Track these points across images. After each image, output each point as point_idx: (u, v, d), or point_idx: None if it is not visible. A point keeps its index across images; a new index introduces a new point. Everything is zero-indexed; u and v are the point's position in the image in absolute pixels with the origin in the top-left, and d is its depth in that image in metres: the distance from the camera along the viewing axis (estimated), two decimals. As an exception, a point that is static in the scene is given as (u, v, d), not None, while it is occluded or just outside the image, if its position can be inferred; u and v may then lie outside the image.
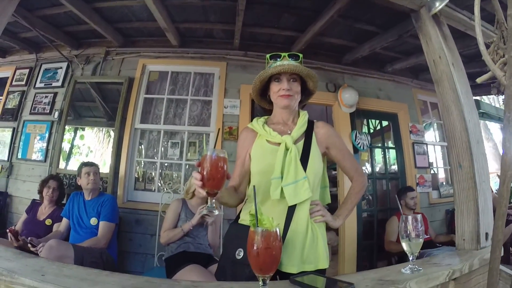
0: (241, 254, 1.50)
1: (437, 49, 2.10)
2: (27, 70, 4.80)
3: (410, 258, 1.42)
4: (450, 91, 2.04)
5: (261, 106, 1.92)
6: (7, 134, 4.63)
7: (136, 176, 4.29)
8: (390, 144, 5.09)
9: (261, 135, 1.73)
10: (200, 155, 4.25)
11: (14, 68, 4.90)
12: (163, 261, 3.05)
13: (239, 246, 1.52)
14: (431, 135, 5.56)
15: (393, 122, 5.02)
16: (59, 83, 4.57)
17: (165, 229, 3.01)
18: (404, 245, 1.43)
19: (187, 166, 4.25)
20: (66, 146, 4.44)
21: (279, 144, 1.65)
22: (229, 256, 1.55)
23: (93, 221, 3.16)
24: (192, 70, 4.52)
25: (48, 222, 3.40)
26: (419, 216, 1.43)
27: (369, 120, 5.09)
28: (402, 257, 3.79)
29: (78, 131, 4.57)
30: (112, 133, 4.35)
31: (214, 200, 1.26)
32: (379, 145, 5.08)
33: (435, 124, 5.63)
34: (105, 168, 4.19)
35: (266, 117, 1.85)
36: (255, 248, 1.06)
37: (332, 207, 1.77)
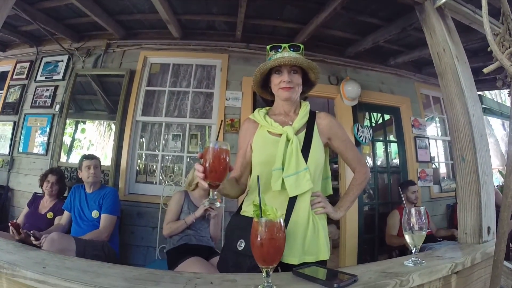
0: (243, 245, 1.50)
1: (441, 41, 2.08)
2: (28, 64, 4.79)
3: (413, 251, 1.42)
4: (453, 84, 2.02)
5: (263, 98, 1.91)
6: (8, 128, 4.63)
7: (138, 168, 4.28)
8: (392, 138, 5.09)
9: (262, 126, 1.73)
10: (202, 148, 4.25)
11: (14, 62, 4.89)
12: (165, 254, 3.06)
13: (240, 237, 1.53)
14: (433, 130, 5.55)
15: (395, 115, 5.01)
16: (60, 76, 4.56)
17: (168, 222, 3.01)
18: (407, 238, 1.42)
19: (188, 159, 4.25)
20: (67, 139, 4.43)
21: (280, 135, 1.64)
22: (231, 247, 1.56)
23: (95, 213, 3.17)
24: (193, 62, 4.50)
25: (49, 215, 3.41)
26: (422, 209, 1.43)
27: (371, 113, 5.08)
28: (403, 251, 3.81)
29: (79, 125, 4.55)
30: (113, 126, 4.34)
31: (216, 192, 1.25)
32: (381, 138, 5.07)
33: (437, 118, 5.62)
34: (106, 161, 4.19)
35: (267, 108, 1.85)
36: (258, 239, 1.05)
37: (334, 201, 1.75)
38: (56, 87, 4.54)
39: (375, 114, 5.14)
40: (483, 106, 6.57)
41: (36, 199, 3.63)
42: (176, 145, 4.29)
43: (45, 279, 1.09)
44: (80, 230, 3.11)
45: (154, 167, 4.30)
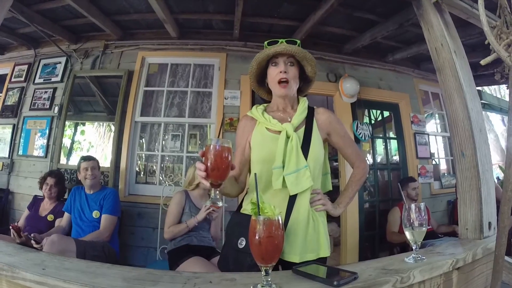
0: (243, 243, 1.50)
1: (439, 36, 2.08)
2: (26, 66, 4.78)
3: (414, 247, 1.41)
4: (452, 79, 2.01)
5: (261, 97, 1.91)
6: (7, 131, 4.63)
7: (137, 169, 4.29)
8: (392, 135, 5.08)
9: (260, 123, 1.71)
10: (201, 147, 4.25)
11: (13, 65, 4.88)
12: (166, 254, 3.07)
13: (241, 235, 1.52)
14: (432, 126, 5.54)
15: (395, 112, 5.00)
16: (59, 78, 4.56)
17: (169, 225, 2.97)
18: (408, 234, 1.42)
19: (188, 159, 4.24)
20: (67, 142, 4.43)
21: (279, 132, 1.63)
22: (232, 245, 1.56)
23: (95, 214, 3.18)
24: (191, 62, 4.50)
25: (50, 217, 3.42)
26: (422, 205, 1.42)
27: (370, 110, 5.06)
28: (404, 248, 3.79)
29: (78, 127, 4.56)
30: (112, 128, 4.34)
31: (218, 191, 1.24)
32: (381, 135, 5.06)
33: (437, 114, 5.61)
34: (106, 162, 4.19)
35: (265, 104, 1.83)
36: (257, 237, 1.04)
37: (333, 198, 1.75)
38: (55, 89, 4.53)
39: (374, 111, 5.12)
40: (482, 101, 6.57)
41: (36, 201, 3.64)
42: (176, 145, 4.29)
43: (44, 280, 1.09)
44: (81, 231, 3.12)
45: (154, 167, 4.29)
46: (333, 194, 1.80)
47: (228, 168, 1.20)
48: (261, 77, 1.79)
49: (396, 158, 5.06)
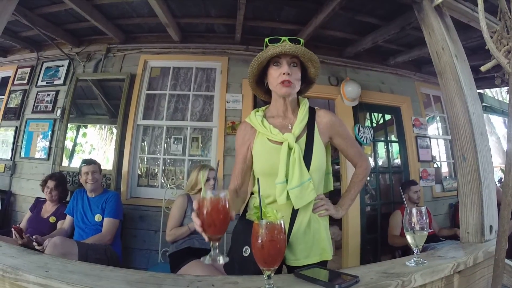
0: (248, 251, 1.47)
1: (440, 40, 2.09)
2: (29, 69, 4.80)
3: (415, 251, 1.41)
4: (453, 83, 2.03)
5: (258, 97, 1.86)
6: (9, 133, 4.63)
7: (139, 172, 4.29)
8: (393, 138, 5.08)
9: (261, 133, 1.64)
10: (203, 150, 4.29)
11: (15, 67, 4.90)
12: (167, 257, 3.06)
13: (245, 243, 1.48)
14: (434, 129, 5.54)
15: (396, 115, 5.00)
16: (61, 81, 4.57)
17: (171, 227, 2.98)
18: (409, 238, 1.42)
19: (190, 162, 4.25)
20: (69, 144, 4.43)
21: (281, 143, 1.57)
22: (237, 252, 1.53)
23: (98, 217, 3.18)
24: (193, 66, 4.50)
25: (52, 219, 3.42)
26: (423, 209, 1.42)
27: (372, 113, 5.07)
28: (405, 251, 3.79)
29: (80, 129, 4.56)
30: (114, 130, 4.34)
31: (217, 244, 1.15)
32: (382, 138, 5.06)
33: (438, 117, 5.61)
34: (108, 164, 4.21)
35: (264, 108, 1.76)
36: (259, 240, 1.05)
37: (335, 200, 1.74)
38: (57, 92, 4.54)
39: (375, 114, 5.12)
40: (484, 104, 6.57)
41: (38, 203, 3.64)
42: (178, 148, 4.29)
43: (47, 282, 1.10)
44: (83, 234, 3.13)
45: (156, 170, 4.29)
46: (335, 197, 1.81)
47: (226, 220, 1.13)
48: (259, 77, 1.71)
49: (397, 161, 5.06)
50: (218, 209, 1.10)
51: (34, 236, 2.69)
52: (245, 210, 1.72)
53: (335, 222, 2.52)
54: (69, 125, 4.39)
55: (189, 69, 4.52)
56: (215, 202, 1.11)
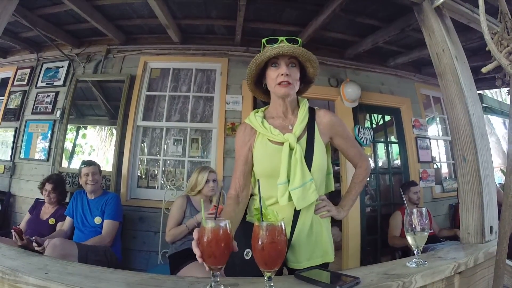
0: (250, 254, 1.44)
1: (440, 42, 2.09)
2: (29, 70, 4.80)
3: (415, 252, 1.41)
4: (453, 84, 2.03)
5: (257, 98, 1.84)
6: (9, 134, 4.63)
7: (139, 173, 4.28)
8: (393, 139, 5.08)
9: (261, 134, 1.63)
10: (203, 152, 4.29)
11: (15, 68, 4.89)
12: (167, 258, 3.06)
13: (247, 246, 1.42)
14: (434, 130, 5.54)
15: (396, 116, 5.01)
16: (61, 82, 4.57)
17: (170, 227, 3.00)
18: (409, 239, 1.42)
19: (189, 163, 4.24)
20: (68, 145, 4.43)
21: (282, 143, 1.56)
22: (238, 254, 1.45)
23: (97, 220, 3.18)
24: (193, 67, 4.51)
25: (51, 221, 3.41)
26: (424, 210, 1.42)
27: (372, 114, 5.08)
28: (406, 252, 3.79)
29: (80, 130, 4.56)
30: (114, 131, 4.34)
31: (219, 273, 1.11)
32: (382, 139, 5.07)
33: (438, 118, 5.61)
34: (108, 166, 4.21)
35: (264, 108, 1.74)
36: (259, 242, 1.05)
37: (335, 202, 1.73)
38: (57, 93, 4.54)
39: (375, 115, 5.13)
40: (483, 105, 6.58)
41: (37, 205, 3.63)
42: (177, 149, 4.29)
43: (47, 284, 1.09)
44: (82, 236, 3.12)
45: (156, 171, 4.29)
46: (334, 198, 1.80)
47: (227, 250, 1.09)
48: (258, 78, 1.68)
49: (397, 162, 5.06)
50: (218, 239, 1.07)
51: (33, 237, 2.67)
52: (246, 213, 1.69)
53: (335, 223, 2.51)
54: (69, 126, 4.39)
55: (189, 70, 4.52)
56: (215, 232, 1.07)
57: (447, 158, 5.63)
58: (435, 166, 5.27)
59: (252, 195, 1.75)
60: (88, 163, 3.38)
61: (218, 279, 1.10)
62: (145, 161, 4.36)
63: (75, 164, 4.36)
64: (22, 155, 4.50)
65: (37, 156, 4.42)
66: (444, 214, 4.97)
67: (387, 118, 5.14)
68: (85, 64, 4.56)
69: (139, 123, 4.30)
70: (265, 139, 1.62)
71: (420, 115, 5.11)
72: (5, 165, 4.53)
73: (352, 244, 4.30)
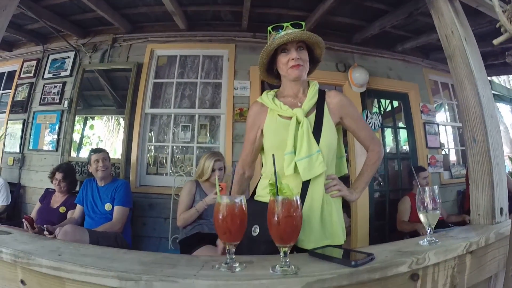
0: (257, 230, 1.48)
1: (449, 24, 2.06)
2: (35, 62, 4.82)
3: (428, 231, 1.42)
4: (463, 66, 2.00)
5: (270, 85, 1.89)
6: (17, 127, 4.67)
7: (148, 161, 4.31)
8: (401, 124, 5.06)
9: (272, 110, 1.68)
10: (211, 139, 4.31)
11: (21, 61, 4.92)
12: (178, 244, 3.09)
13: (254, 222, 1.49)
14: (442, 116, 5.51)
15: (404, 102, 4.98)
16: (68, 73, 4.58)
17: (181, 212, 3.01)
18: (421, 217, 1.43)
19: (198, 149, 4.26)
20: (76, 137, 4.47)
21: (290, 118, 1.61)
22: (245, 232, 1.54)
23: (108, 206, 3.20)
24: (200, 54, 4.49)
25: (62, 209, 3.44)
26: (436, 188, 1.42)
27: (380, 100, 5.06)
28: (414, 237, 3.78)
29: (87, 121, 4.59)
30: (122, 122, 4.36)
31: (234, 250, 1.12)
32: (390, 125, 5.06)
33: (446, 105, 5.57)
34: (115, 156, 4.24)
35: (275, 90, 1.79)
36: (275, 217, 1.05)
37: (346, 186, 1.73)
38: (64, 83, 4.56)
39: (383, 101, 5.10)
40: (492, 91, 6.50)
41: (48, 194, 3.66)
42: (186, 136, 4.29)
43: (60, 265, 1.10)
44: (93, 223, 3.14)
45: (164, 158, 4.32)
46: (345, 180, 1.79)
47: (242, 227, 1.11)
48: (268, 65, 1.74)
49: (405, 148, 5.04)
50: (233, 215, 1.08)
51: (45, 226, 2.70)
52: (254, 193, 1.75)
53: (343, 209, 2.50)
54: (76, 118, 4.41)
55: (196, 57, 4.51)
56: (231, 208, 1.08)
57: (456, 144, 5.59)
58: (443, 152, 5.23)
59: (261, 175, 1.78)
60: (97, 150, 3.40)
61: (233, 256, 1.11)
62: (154, 148, 4.38)
63: (84, 154, 4.39)
64: (31, 147, 4.55)
65: (45, 147, 4.46)
66: (453, 200, 4.95)
67: (395, 103, 5.11)
68: (92, 54, 4.56)
69: (147, 111, 4.31)
70: (275, 115, 1.67)
71: (428, 100, 5.06)
72: (14, 157, 4.58)
73: (360, 229, 4.31)
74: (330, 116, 1.66)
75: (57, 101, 4.49)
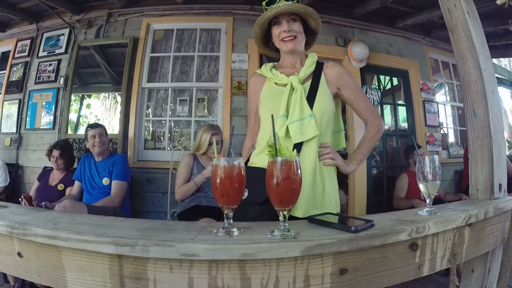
0: (246, 194, 1.46)
1: (452, -4, 2.01)
2: (29, 41, 4.75)
3: (427, 201, 1.41)
4: (465, 39, 1.96)
5: (268, 58, 1.89)
6: (14, 107, 4.64)
7: (146, 135, 4.31)
8: (401, 102, 5.05)
9: (269, 79, 1.72)
10: (209, 112, 4.30)
11: (15, 41, 4.86)
12: (176, 217, 3.11)
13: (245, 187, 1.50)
14: (442, 97, 5.49)
15: (404, 79, 4.95)
16: (63, 50, 4.51)
17: (179, 185, 3.03)
18: (421, 187, 1.42)
19: (196, 123, 4.26)
20: (73, 116, 4.46)
21: (286, 85, 1.64)
22: None
23: (106, 181, 3.21)
24: (198, 27, 4.43)
25: (60, 187, 3.45)
26: (436, 157, 1.41)
27: (380, 76, 5.04)
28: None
29: (84, 100, 4.57)
30: (119, 99, 4.33)
31: (231, 215, 1.10)
32: (390, 101, 5.05)
33: (446, 85, 5.54)
34: (114, 131, 4.23)
35: (275, 63, 1.82)
36: (274, 179, 1.03)
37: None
38: (59, 61, 4.50)
39: (383, 77, 5.09)
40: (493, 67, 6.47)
41: (46, 172, 3.67)
42: (183, 110, 4.29)
43: (56, 234, 1.08)
44: (91, 198, 3.16)
45: (162, 133, 4.32)
46: (344, 157, 1.78)
47: (241, 190, 1.09)
48: (266, 38, 1.77)
49: (404, 125, 5.05)
50: (231, 178, 1.06)
51: (43, 203, 2.70)
52: (247, 161, 1.77)
53: (341, 186, 2.50)
54: (73, 97, 4.39)
55: (193, 30, 4.45)
56: (229, 170, 1.06)
57: (454, 124, 5.60)
58: (442, 131, 5.24)
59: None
60: (94, 126, 3.38)
61: (231, 221, 1.09)
62: (151, 123, 4.38)
63: (81, 131, 4.36)
64: (27, 126, 4.53)
65: (42, 126, 4.43)
66: (450, 179, 4.97)
67: (395, 80, 5.10)
68: (87, 30, 4.48)
69: (144, 85, 4.27)
70: (271, 83, 1.71)
71: (428, 78, 5.04)
72: (11, 138, 4.57)
73: (358, 205, 4.36)
74: (327, 86, 1.66)
75: (53, 79, 4.44)
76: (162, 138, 4.31)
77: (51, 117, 4.36)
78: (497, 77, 6.64)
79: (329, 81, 1.68)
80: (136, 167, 4.01)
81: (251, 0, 4.23)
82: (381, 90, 4.88)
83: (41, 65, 4.58)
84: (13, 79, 4.70)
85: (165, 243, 0.99)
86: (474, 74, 1.93)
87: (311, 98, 1.60)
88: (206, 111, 4.30)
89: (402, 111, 5.08)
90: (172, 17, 4.41)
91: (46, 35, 4.70)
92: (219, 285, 1.03)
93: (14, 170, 4.37)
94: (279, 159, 1.04)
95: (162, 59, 4.40)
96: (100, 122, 4.40)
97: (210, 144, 3.06)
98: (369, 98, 4.48)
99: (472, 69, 1.94)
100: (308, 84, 1.65)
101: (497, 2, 1.56)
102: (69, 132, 4.31)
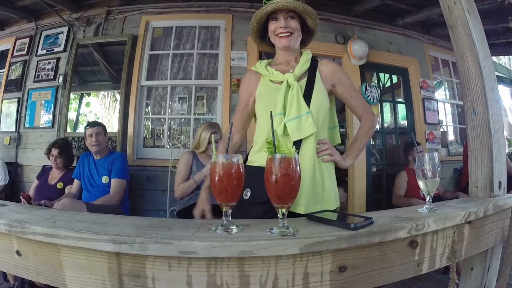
0: (248, 194, 1.53)
1: (452, -6, 2.01)
2: (28, 39, 4.73)
3: (427, 199, 1.41)
4: (464, 37, 1.96)
5: (267, 55, 1.90)
6: (13, 106, 4.63)
7: (145, 133, 4.30)
8: (400, 99, 5.04)
9: (264, 76, 1.73)
10: (208, 110, 4.29)
11: (14, 39, 4.84)
12: (175, 215, 3.11)
13: (246, 186, 1.46)
14: (441, 95, 5.49)
15: (404, 76, 4.95)
16: (61, 48, 4.50)
17: (178, 183, 3.03)
18: (421, 184, 1.41)
19: (195, 121, 4.26)
20: (72, 115, 4.45)
21: (281, 82, 1.64)
22: None
23: (105, 179, 3.20)
24: (197, 24, 4.42)
25: (59, 185, 3.45)
26: (435, 154, 1.41)
27: (379, 73, 5.03)
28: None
29: (83, 98, 4.56)
30: (118, 97, 4.32)
31: (230, 212, 1.10)
32: (389, 99, 5.04)
33: (446, 83, 5.54)
34: (114, 130, 4.21)
35: (270, 59, 1.83)
36: (273, 175, 1.03)
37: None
38: (58, 59, 4.49)
39: (383, 75, 5.08)
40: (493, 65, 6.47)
41: (45, 171, 3.67)
42: (183, 107, 4.29)
43: (54, 232, 1.08)
44: (90, 196, 3.16)
45: (161, 131, 4.33)
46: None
47: (239, 187, 1.08)
48: (263, 33, 1.78)
49: (404, 122, 5.05)
50: (230, 174, 1.06)
51: (42, 201, 2.70)
52: (245, 159, 1.77)
53: (340, 184, 2.50)
54: (72, 95, 4.38)
55: (192, 28, 4.44)
56: (227, 167, 1.06)
57: (454, 122, 5.60)
58: (442, 129, 5.24)
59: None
60: (92, 124, 3.37)
61: (230, 218, 1.09)
62: (151, 121, 4.38)
63: (81, 129, 4.38)
64: (26, 125, 4.52)
65: (41, 124, 4.42)
66: (449, 177, 4.97)
67: (395, 78, 5.09)
68: (85, 28, 4.47)
69: (143, 83, 4.26)
70: (267, 80, 1.72)
71: (428, 76, 5.04)
72: (10, 136, 4.56)
73: (357, 203, 4.36)
74: (322, 83, 1.68)
75: (52, 77, 4.43)
76: (161, 136, 4.31)
77: (50, 116, 4.35)
78: (496, 75, 6.63)
79: (324, 78, 1.70)
80: (135, 165, 4.00)
81: (251, -3, 4.23)
82: (381, 88, 4.87)
83: (40, 63, 4.57)
84: (12, 77, 4.68)
85: (164, 241, 0.98)
86: (473, 72, 1.93)
87: (307, 95, 1.61)
88: (205, 108, 4.30)
89: (401, 109, 5.08)
90: (171, 15, 4.40)
91: (45, 33, 4.68)
92: (217, 283, 1.03)
93: (13, 168, 4.36)
94: (277, 156, 1.04)
95: (161, 57, 4.39)
96: (99, 120, 4.42)
97: (209, 142, 3.06)
98: (369, 96, 4.50)
99: (472, 67, 1.94)
100: (303, 81, 1.66)
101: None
102: (68, 130, 4.30)
